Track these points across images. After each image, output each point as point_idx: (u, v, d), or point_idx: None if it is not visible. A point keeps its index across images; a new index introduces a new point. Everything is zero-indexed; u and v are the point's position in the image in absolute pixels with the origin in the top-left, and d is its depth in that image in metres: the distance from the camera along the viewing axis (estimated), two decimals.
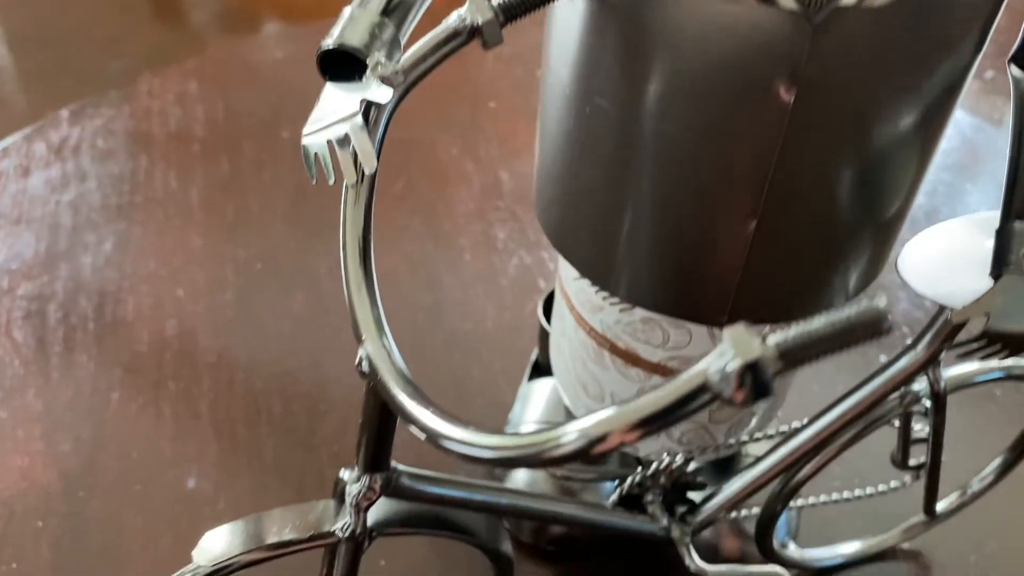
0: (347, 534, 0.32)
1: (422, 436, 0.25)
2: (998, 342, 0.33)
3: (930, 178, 0.65)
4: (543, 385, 0.55)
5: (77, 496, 0.53)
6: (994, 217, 0.33)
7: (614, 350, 0.41)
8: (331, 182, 0.30)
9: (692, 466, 0.43)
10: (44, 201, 0.74)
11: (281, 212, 0.73)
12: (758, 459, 0.42)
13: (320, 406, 0.59)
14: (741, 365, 0.19)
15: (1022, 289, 0.31)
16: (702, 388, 0.20)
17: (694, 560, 0.43)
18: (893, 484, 0.50)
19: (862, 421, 0.40)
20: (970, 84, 0.32)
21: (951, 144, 0.85)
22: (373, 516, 0.33)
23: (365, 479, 0.31)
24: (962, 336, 0.36)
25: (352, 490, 0.32)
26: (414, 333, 0.64)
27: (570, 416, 0.53)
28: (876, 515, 0.55)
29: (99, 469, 0.55)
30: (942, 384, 0.39)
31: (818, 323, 0.20)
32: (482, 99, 0.88)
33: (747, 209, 0.32)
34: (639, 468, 0.42)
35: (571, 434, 0.23)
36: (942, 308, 0.35)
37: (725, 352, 0.20)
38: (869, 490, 0.51)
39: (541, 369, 0.57)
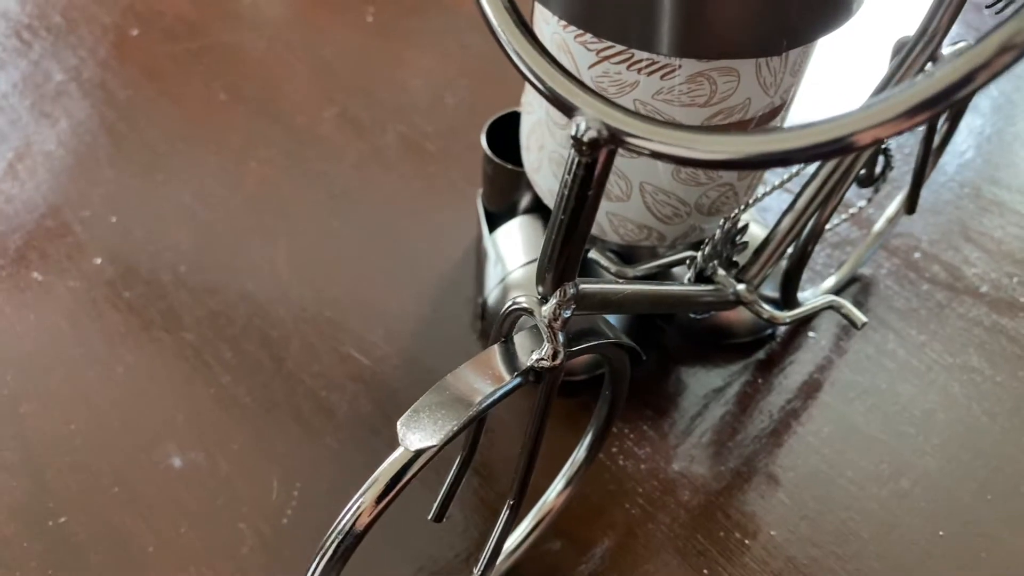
0: (550, 362, 0.28)
1: (722, 160, 0.21)
2: None
3: None
4: (509, 230, 0.52)
5: (47, 527, 0.43)
6: None
7: None
8: None
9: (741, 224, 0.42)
10: None
11: (103, 156, 0.62)
12: (794, 199, 0.42)
13: (273, 334, 0.52)
14: None
15: None
16: None
17: (766, 309, 0.43)
18: (860, 204, 0.53)
19: None
20: None
21: None
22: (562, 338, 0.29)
23: (559, 293, 0.27)
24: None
25: (544, 312, 0.28)
26: (329, 230, 0.58)
27: None
28: (831, 248, 0.58)
29: (56, 488, 0.45)
30: None
31: None
32: None
33: None
34: (705, 242, 0.41)
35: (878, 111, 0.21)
36: None
37: None
38: (843, 216, 0.53)
39: (495, 218, 0.54)
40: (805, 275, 0.57)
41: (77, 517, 0.44)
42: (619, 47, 0.36)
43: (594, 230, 0.46)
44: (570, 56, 0.39)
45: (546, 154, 0.45)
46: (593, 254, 0.42)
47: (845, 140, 0.21)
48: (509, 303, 0.29)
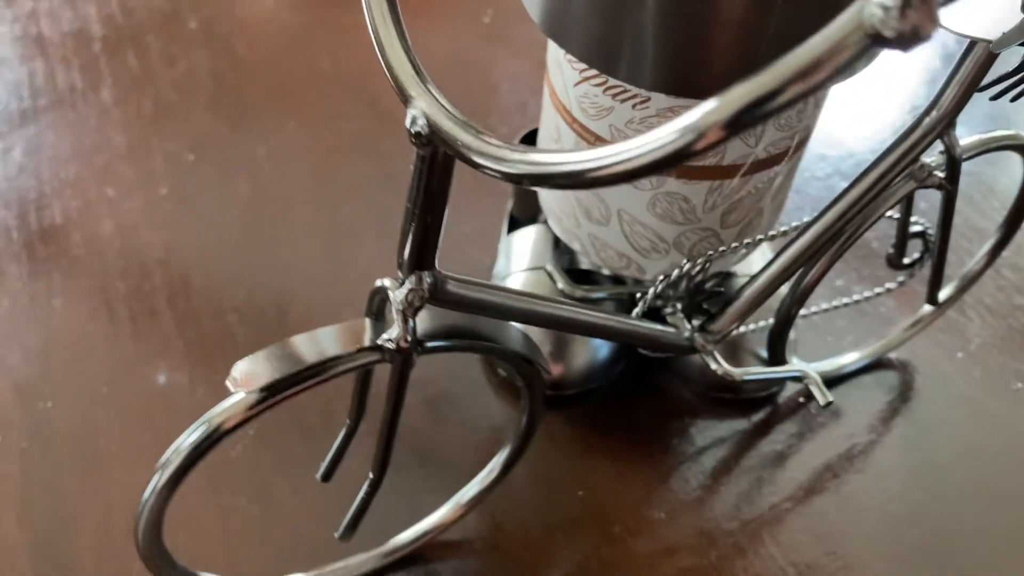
0: (396, 346, 0.29)
1: (504, 172, 0.22)
2: None
3: None
4: (524, 235, 0.53)
5: (37, 407, 0.49)
6: None
7: None
8: None
9: (711, 271, 0.41)
10: None
11: (203, 102, 0.68)
12: (774, 257, 0.41)
13: (285, 290, 0.55)
14: None
15: None
16: (858, 29, 0.18)
17: (721, 364, 0.42)
18: (889, 286, 0.50)
19: (878, 200, 0.40)
20: None
21: None
22: (419, 327, 0.30)
23: (412, 279, 0.29)
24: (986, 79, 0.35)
25: (398, 296, 0.29)
26: (372, 209, 0.61)
27: (561, 256, 0.51)
28: (867, 326, 0.55)
29: (57, 376, 0.50)
30: (957, 150, 0.39)
31: None
32: None
33: None
34: (660, 278, 0.40)
35: (673, 132, 0.20)
36: (969, 48, 0.34)
37: None
38: (866, 293, 0.51)
39: (518, 221, 0.55)
40: (828, 346, 0.54)
41: (64, 405, 0.49)
42: (595, 70, 0.37)
43: (579, 249, 0.46)
44: (561, 73, 0.40)
45: None
46: (549, 267, 0.42)
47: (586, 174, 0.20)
48: (378, 283, 0.30)
